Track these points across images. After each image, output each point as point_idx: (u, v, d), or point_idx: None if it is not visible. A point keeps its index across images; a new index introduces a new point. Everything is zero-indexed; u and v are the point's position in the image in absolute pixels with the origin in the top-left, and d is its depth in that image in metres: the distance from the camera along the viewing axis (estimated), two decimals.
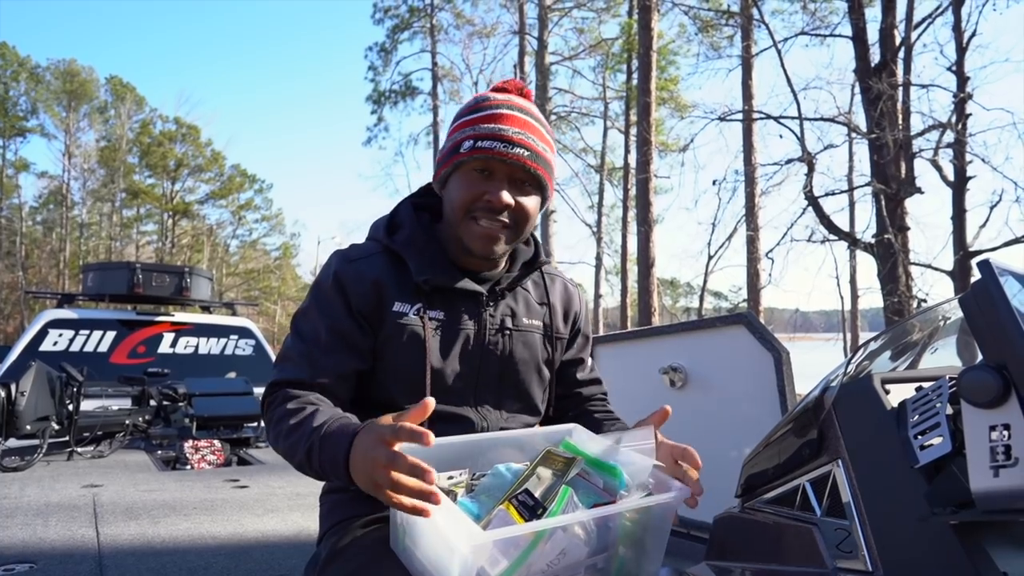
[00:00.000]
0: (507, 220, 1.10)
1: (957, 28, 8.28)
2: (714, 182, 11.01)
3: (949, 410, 0.75)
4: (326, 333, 1.09)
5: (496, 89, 1.18)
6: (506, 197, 1.08)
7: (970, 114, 8.21)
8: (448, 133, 1.16)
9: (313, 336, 1.09)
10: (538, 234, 1.29)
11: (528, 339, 1.19)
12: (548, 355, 1.23)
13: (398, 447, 0.78)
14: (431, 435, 0.76)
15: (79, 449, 4.18)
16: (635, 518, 0.93)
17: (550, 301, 1.25)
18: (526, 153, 1.08)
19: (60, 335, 5.14)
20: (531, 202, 1.12)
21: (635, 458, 0.97)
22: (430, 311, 1.11)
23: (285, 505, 2.86)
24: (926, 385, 0.82)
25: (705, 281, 12.62)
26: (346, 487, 1.16)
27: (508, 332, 1.16)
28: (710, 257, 11.93)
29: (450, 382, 1.12)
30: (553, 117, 19.46)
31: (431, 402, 0.83)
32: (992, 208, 8.06)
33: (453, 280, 1.13)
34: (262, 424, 4.71)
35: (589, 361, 1.35)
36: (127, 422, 4.59)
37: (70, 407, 4.18)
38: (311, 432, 0.94)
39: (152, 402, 4.87)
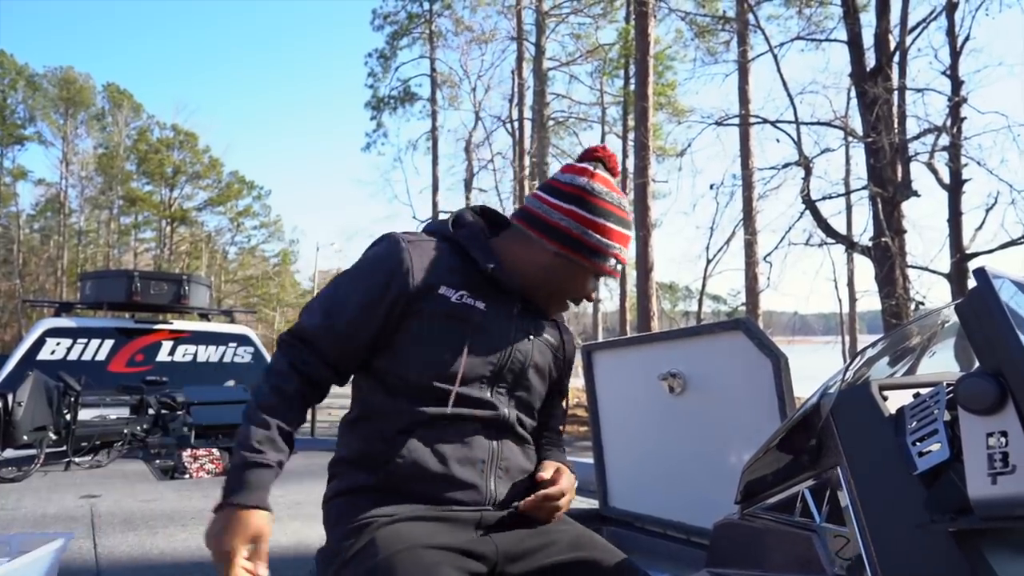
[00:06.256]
0: None
1: (951, 32, 8.30)
2: (712, 186, 11.04)
3: (947, 416, 0.75)
4: (353, 308, 1.13)
5: (603, 168, 1.20)
6: (594, 294, 1.26)
7: (965, 118, 8.22)
8: (558, 195, 1.18)
9: (343, 301, 1.14)
10: None
11: (544, 351, 1.26)
12: (552, 374, 1.30)
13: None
14: None
15: (77, 459, 4.16)
16: None
17: (560, 330, 1.33)
18: (621, 267, 1.22)
19: (58, 344, 5.12)
20: None
21: None
22: (475, 300, 1.17)
23: (284, 514, 2.85)
24: (924, 391, 0.82)
25: (704, 285, 12.64)
26: (352, 489, 1.16)
27: (531, 338, 1.23)
28: (708, 261, 11.95)
29: (478, 370, 1.15)
30: (551, 122, 19.47)
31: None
32: (988, 211, 8.05)
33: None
34: None
35: (562, 398, 1.41)
36: (125, 431, 4.57)
37: (68, 416, 4.16)
38: (242, 442, 1.07)
39: (150, 411, 4.85)
